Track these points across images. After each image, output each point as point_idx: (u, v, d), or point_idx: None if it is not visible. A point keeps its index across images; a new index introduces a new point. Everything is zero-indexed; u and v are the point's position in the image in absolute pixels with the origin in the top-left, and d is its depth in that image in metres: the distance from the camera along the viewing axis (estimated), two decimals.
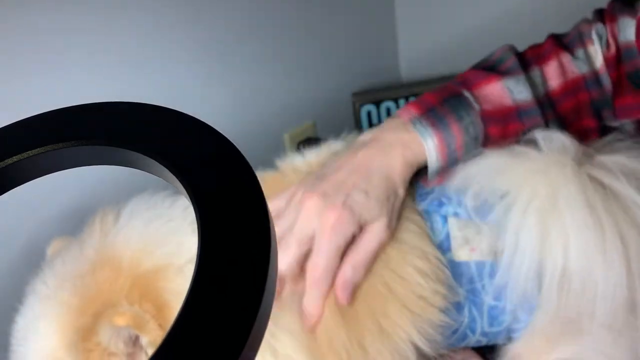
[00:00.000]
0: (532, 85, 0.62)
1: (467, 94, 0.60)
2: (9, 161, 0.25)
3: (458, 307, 0.55)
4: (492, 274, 0.54)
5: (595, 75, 0.63)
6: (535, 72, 0.63)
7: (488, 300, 0.54)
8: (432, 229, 0.56)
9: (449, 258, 0.55)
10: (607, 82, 0.63)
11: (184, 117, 0.26)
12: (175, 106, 0.26)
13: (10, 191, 0.26)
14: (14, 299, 0.62)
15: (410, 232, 0.55)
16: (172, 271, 0.53)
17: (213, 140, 0.24)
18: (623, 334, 0.49)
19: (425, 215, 0.57)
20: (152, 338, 0.50)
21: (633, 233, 0.48)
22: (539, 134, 0.54)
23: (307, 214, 0.52)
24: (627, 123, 0.63)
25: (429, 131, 0.57)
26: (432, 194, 0.57)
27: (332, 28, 1.06)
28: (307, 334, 0.52)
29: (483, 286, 0.55)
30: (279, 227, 0.53)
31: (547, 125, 0.60)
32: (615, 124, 0.63)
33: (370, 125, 1.10)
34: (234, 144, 0.24)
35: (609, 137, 0.55)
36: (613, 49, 0.63)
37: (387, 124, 0.60)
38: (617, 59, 0.62)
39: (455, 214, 0.56)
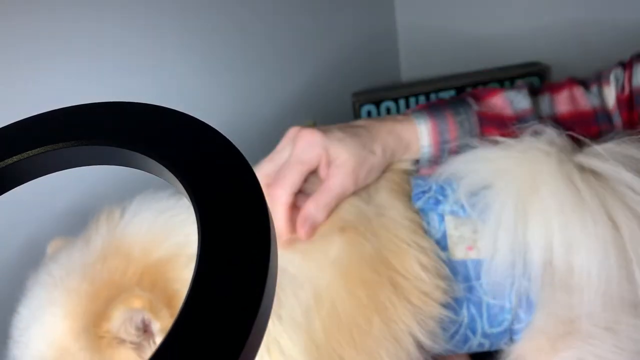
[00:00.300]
0: (535, 103, 0.62)
1: (469, 99, 0.61)
2: (9, 161, 0.25)
3: (457, 304, 0.56)
4: (498, 270, 0.54)
5: (606, 112, 0.63)
6: (544, 97, 0.64)
7: (486, 298, 0.55)
8: (428, 227, 0.57)
9: (445, 256, 0.56)
10: (618, 120, 0.63)
11: (184, 117, 0.26)
12: (175, 106, 0.26)
13: (10, 191, 0.26)
14: (13, 299, 0.62)
15: (409, 230, 0.56)
16: (182, 261, 0.54)
17: (213, 140, 0.24)
18: (624, 337, 0.49)
19: (422, 213, 0.57)
20: (164, 325, 0.50)
21: (626, 216, 0.47)
22: (530, 129, 0.54)
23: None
24: None
25: (424, 116, 0.59)
26: (428, 192, 0.58)
27: (332, 28, 1.06)
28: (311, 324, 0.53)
29: (481, 285, 0.55)
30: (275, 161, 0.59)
31: None
32: None
33: None
34: (234, 144, 0.24)
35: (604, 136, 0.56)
36: (627, 91, 0.63)
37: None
38: (629, 101, 0.63)
39: (452, 212, 0.56)
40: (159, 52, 0.79)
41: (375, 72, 1.18)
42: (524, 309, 0.54)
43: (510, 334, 0.57)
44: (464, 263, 0.55)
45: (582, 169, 0.51)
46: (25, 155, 0.25)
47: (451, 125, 0.59)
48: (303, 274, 0.54)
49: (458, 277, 0.56)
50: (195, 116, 0.26)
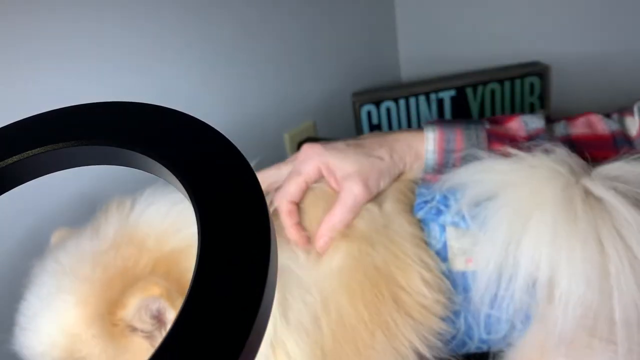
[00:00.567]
0: (549, 125, 0.61)
1: (486, 120, 0.61)
2: (9, 161, 0.25)
3: (455, 314, 0.56)
4: (493, 285, 0.54)
5: (627, 137, 0.60)
6: (560, 123, 0.62)
7: (484, 309, 0.54)
8: (429, 237, 0.57)
9: (445, 267, 0.56)
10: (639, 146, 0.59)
11: (184, 117, 0.26)
12: (176, 106, 0.26)
13: (10, 191, 0.26)
14: (13, 300, 0.62)
15: (412, 243, 0.56)
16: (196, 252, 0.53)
17: (213, 140, 0.24)
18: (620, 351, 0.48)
19: (423, 223, 0.57)
20: None
21: (617, 250, 0.47)
22: (542, 147, 0.53)
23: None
24: None
25: (434, 126, 0.60)
26: (430, 202, 0.57)
27: (333, 28, 1.06)
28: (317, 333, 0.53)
29: (482, 296, 0.55)
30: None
31: None
32: None
33: (370, 125, 1.10)
34: (234, 144, 0.24)
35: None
36: None
37: None
38: None
39: (453, 223, 0.56)
40: (159, 52, 0.79)
41: (375, 72, 1.18)
42: (522, 319, 0.54)
43: (508, 339, 0.57)
44: (463, 274, 0.55)
45: (587, 193, 0.49)
46: (25, 155, 0.25)
47: (458, 135, 0.58)
48: (309, 277, 0.55)
49: (458, 287, 0.56)
50: (195, 116, 0.26)
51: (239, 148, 0.24)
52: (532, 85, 1.06)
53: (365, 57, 1.15)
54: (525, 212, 0.50)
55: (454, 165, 0.57)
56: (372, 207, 0.57)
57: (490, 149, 0.58)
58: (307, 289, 0.54)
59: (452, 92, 1.08)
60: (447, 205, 0.56)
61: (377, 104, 1.09)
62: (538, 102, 1.08)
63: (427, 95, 1.08)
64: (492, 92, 1.08)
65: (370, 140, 0.62)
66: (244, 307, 0.19)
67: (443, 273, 0.56)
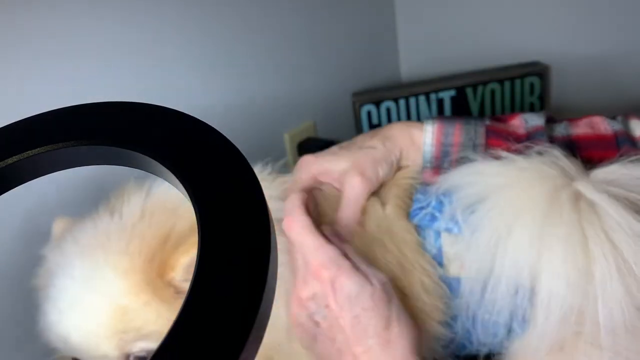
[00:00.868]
0: (549, 124, 0.60)
1: (487, 117, 0.61)
2: (9, 161, 0.25)
3: (452, 319, 0.56)
4: (483, 290, 0.54)
5: (629, 137, 0.59)
6: (561, 123, 0.62)
7: (481, 313, 0.54)
8: (425, 243, 0.57)
9: (441, 273, 0.56)
10: None
11: (185, 117, 0.26)
12: (176, 106, 0.26)
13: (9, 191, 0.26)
14: (12, 299, 0.62)
15: (412, 249, 0.56)
16: None
17: (213, 140, 0.24)
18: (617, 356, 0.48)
19: (419, 229, 0.57)
20: None
21: (604, 255, 0.46)
22: (536, 148, 0.53)
23: None
24: None
25: (432, 120, 0.60)
26: (426, 208, 0.57)
27: (332, 28, 1.06)
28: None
29: (475, 300, 0.55)
30: None
31: None
32: None
33: (370, 125, 1.10)
34: (234, 144, 0.24)
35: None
36: None
37: None
38: None
39: (447, 229, 0.56)
40: (159, 52, 0.79)
41: (375, 72, 1.18)
42: (519, 323, 0.54)
43: (506, 344, 0.57)
44: (458, 280, 0.56)
45: (578, 196, 0.49)
46: (25, 155, 0.25)
47: (457, 130, 0.59)
48: None
49: (453, 293, 0.56)
50: (196, 116, 0.26)
51: (239, 148, 0.24)
52: (532, 85, 1.06)
53: (365, 57, 1.15)
54: (510, 214, 0.50)
55: (450, 167, 0.57)
56: (378, 207, 0.58)
57: (487, 144, 0.58)
58: None
59: (452, 92, 1.08)
60: (441, 211, 0.56)
61: (377, 104, 1.09)
62: (538, 102, 1.08)
63: (427, 95, 1.08)
64: (492, 92, 1.08)
65: (362, 136, 0.63)
66: (244, 307, 0.19)
67: (440, 278, 0.56)
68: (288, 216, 0.55)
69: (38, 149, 0.25)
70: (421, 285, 0.55)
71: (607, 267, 0.46)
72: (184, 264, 0.50)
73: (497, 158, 0.54)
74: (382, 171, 0.59)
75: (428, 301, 0.55)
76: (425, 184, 0.60)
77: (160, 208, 0.54)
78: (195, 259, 0.51)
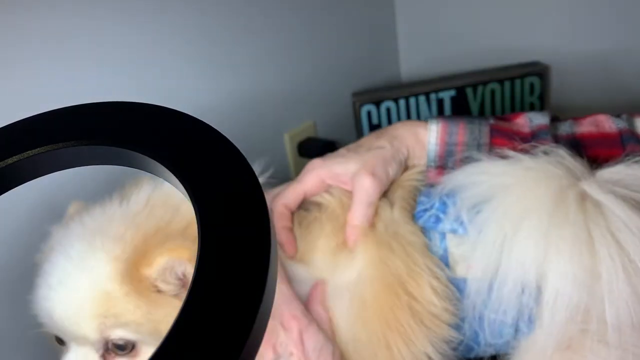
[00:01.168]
0: (554, 123, 0.60)
1: (491, 116, 0.62)
2: (9, 161, 0.25)
3: (460, 320, 0.56)
4: (489, 289, 0.54)
5: (634, 134, 0.59)
6: (566, 122, 0.62)
7: (487, 314, 0.54)
8: (431, 245, 0.57)
9: (448, 274, 0.56)
10: None
11: (184, 117, 0.26)
12: (176, 106, 0.26)
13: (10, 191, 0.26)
14: (12, 300, 0.62)
15: (421, 252, 0.57)
16: None
17: (213, 140, 0.24)
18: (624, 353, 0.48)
19: (424, 231, 0.57)
20: None
21: (610, 254, 0.46)
22: (541, 147, 0.53)
23: None
24: None
25: (437, 119, 0.61)
26: (430, 210, 0.57)
27: (332, 28, 1.06)
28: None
29: (482, 301, 0.55)
30: None
31: None
32: None
33: (370, 125, 1.10)
34: (234, 144, 0.24)
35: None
36: None
37: None
38: None
39: (452, 230, 0.56)
40: (159, 52, 0.79)
41: (375, 72, 1.18)
42: (526, 322, 0.54)
43: (513, 344, 0.57)
44: (464, 280, 0.56)
45: (584, 196, 0.49)
46: (25, 155, 0.25)
47: (461, 129, 0.59)
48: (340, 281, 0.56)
49: (461, 294, 0.56)
50: (195, 116, 0.26)
51: (239, 148, 0.24)
52: (532, 85, 1.06)
53: (365, 57, 1.15)
54: (516, 214, 0.50)
55: (454, 166, 0.57)
56: (387, 208, 0.58)
57: (492, 143, 0.58)
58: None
59: (452, 92, 1.08)
60: (445, 213, 0.56)
61: (377, 104, 1.09)
62: (538, 102, 1.08)
63: (427, 95, 1.08)
64: (492, 92, 1.08)
65: (368, 137, 0.63)
66: (244, 307, 0.19)
67: (448, 280, 0.56)
68: (277, 198, 0.57)
69: (38, 149, 0.25)
70: (430, 288, 0.55)
71: (614, 267, 0.46)
72: (160, 264, 0.50)
73: (503, 157, 0.54)
74: (392, 170, 0.59)
75: (438, 304, 0.55)
76: (429, 186, 0.60)
77: (163, 202, 0.55)
78: (175, 263, 0.51)
